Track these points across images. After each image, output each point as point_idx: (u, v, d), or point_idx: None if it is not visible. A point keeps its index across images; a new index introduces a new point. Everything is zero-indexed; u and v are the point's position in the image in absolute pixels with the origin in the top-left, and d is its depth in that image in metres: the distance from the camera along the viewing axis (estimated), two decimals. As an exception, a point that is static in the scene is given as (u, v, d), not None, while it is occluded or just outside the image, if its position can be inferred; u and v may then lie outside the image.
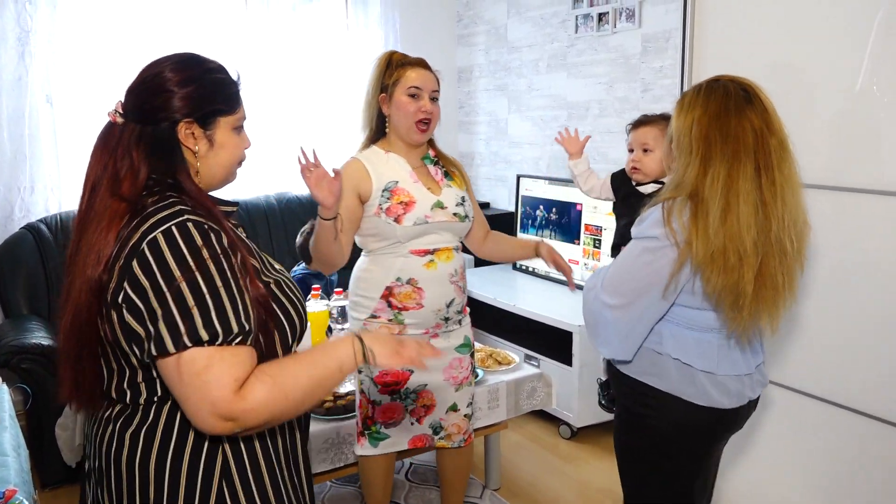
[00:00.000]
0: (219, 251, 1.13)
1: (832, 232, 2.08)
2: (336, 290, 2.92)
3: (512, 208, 4.32)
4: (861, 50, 2.00)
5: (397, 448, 2.28)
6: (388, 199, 2.09)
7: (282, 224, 3.97)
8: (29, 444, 3.07)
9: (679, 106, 1.58)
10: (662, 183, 1.95)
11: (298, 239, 3.43)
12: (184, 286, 1.09)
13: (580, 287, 1.90)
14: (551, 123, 4.12)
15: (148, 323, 1.09)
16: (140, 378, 1.17)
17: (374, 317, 2.16)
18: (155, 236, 1.11)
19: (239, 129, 1.29)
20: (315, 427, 2.38)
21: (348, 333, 1.28)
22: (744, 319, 1.50)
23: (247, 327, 1.12)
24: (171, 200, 1.17)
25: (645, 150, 1.95)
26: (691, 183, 1.49)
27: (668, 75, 3.37)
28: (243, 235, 1.35)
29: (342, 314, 2.75)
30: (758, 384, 1.67)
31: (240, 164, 1.32)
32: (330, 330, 2.72)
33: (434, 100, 2.13)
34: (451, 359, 2.24)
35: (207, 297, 1.09)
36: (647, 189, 1.96)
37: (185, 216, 1.14)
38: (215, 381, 1.07)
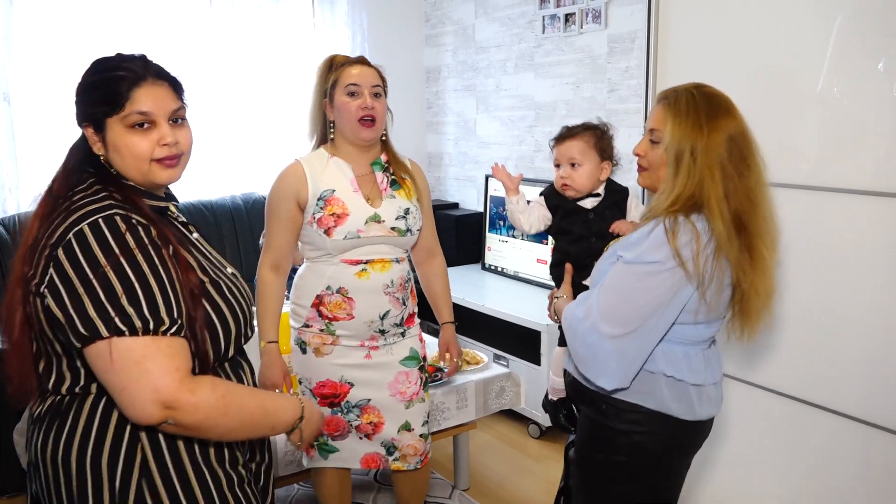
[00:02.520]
0: (146, 242, 1.15)
1: (798, 231, 2.11)
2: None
3: (481, 208, 4.32)
4: (821, 53, 2.03)
5: (349, 465, 2.20)
6: (321, 208, 2.01)
7: (248, 224, 3.92)
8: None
9: (675, 112, 1.49)
10: (599, 195, 1.89)
11: (261, 241, 3.39)
12: (110, 272, 1.10)
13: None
14: (519, 123, 4.13)
15: (70, 308, 1.10)
16: (65, 366, 1.18)
17: (307, 326, 2.09)
18: (81, 228, 1.13)
19: (139, 126, 1.22)
20: (281, 429, 2.36)
21: (299, 399, 1.33)
22: (758, 324, 1.54)
23: (177, 318, 1.14)
24: (101, 195, 1.19)
25: (573, 165, 1.86)
26: (703, 194, 1.44)
27: (634, 76, 3.40)
28: (195, 234, 1.36)
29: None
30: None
31: (163, 163, 1.25)
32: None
33: (377, 95, 2.01)
34: (395, 373, 2.12)
35: (136, 284, 1.11)
36: (587, 203, 1.89)
37: (113, 210, 1.16)
38: (158, 369, 1.09)
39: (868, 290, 2.02)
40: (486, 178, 4.24)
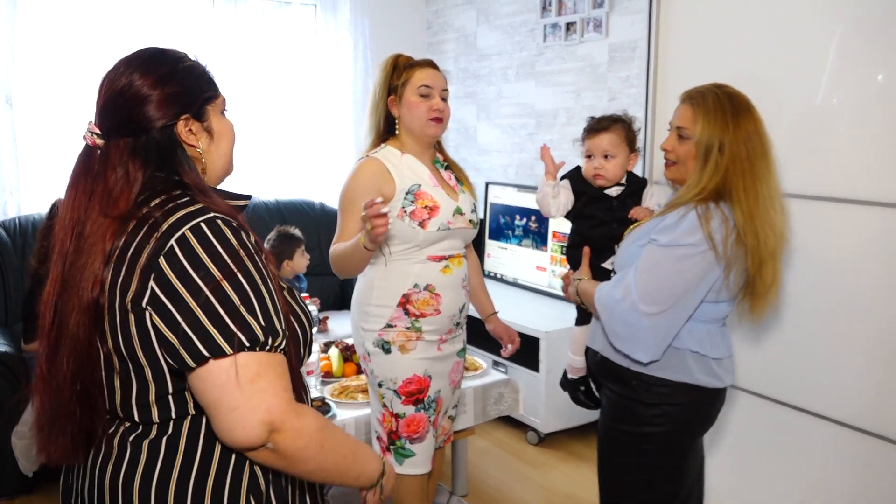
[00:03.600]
0: (252, 249, 1.05)
1: (798, 241, 2.11)
2: (303, 295, 2.90)
3: (481, 215, 4.33)
4: (821, 64, 2.05)
5: (422, 470, 2.16)
6: (412, 202, 2.05)
7: (256, 228, 3.93)
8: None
9: (704, 110, 1.62)
10: (623, 185, 1.96)
11: (265, 245, 3.41)
12: (225, 284, 0.99)
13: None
14: (520, 131, 4.14)
15: (184, 325, 0.98)
16: (152, 395, 1.06)
17: (390, 326, 2.09)
18: (183, 233, 1.00)
19: (224, 112, 1.21)
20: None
21: (380, 459, 1.23)
22: (762, 310, 1.68)
23: (286, 331, 1.05)
24: (187, 199, 1.05)
25: (606, 157, 1.94)
26: (728, 186, 1.58)
27: (635, 84, 3.41)
28: None
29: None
30: None
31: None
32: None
33: (444, 99, 2.11)
34: (453, 363, 2.22)
35: (252, 295, 1.01)
36: (612, 191, 1.96)
37: (212, 213, 1.03)
38: (269, 388, 1.01)
39: (868, 299, 2.02)
40: (487, 185, 4.25)
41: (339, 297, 4.12)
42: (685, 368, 1.68)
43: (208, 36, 3.96)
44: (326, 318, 3.66)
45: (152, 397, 1.05)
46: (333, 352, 2.84)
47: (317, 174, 4.42)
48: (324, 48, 4.34)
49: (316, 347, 2.56)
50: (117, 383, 1.06)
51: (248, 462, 1.08)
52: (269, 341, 1.01)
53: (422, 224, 2.04)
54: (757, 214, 1.57)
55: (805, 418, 2.20)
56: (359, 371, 2.76)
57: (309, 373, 2.60)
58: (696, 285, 1.61)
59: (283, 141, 4.33)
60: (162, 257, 0.99)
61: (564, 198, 2.00)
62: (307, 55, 4.33)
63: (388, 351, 2.11)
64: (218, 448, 1.07)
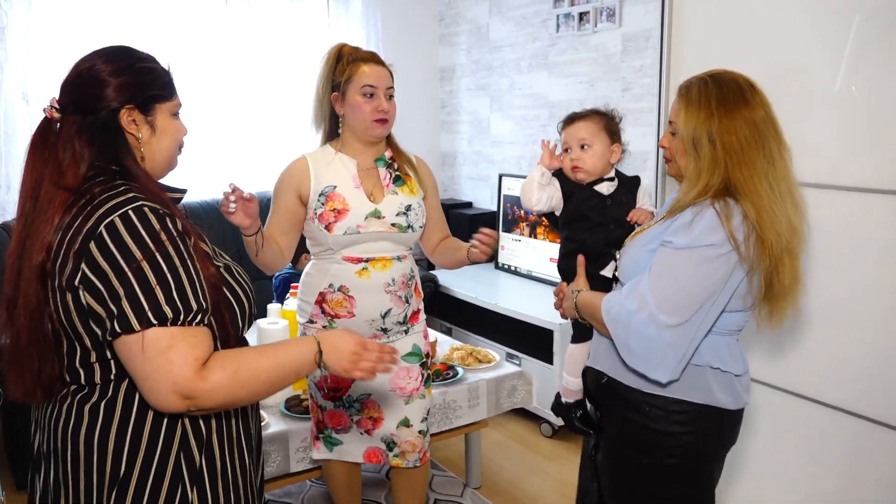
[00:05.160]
0: (175, 234, 1.18)
1: (818, 231, 2.08)
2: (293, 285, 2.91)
3: (494, 207, 4.32)
4: (839, 52, 2.01)
5: (352, 458, 2.22)
6: (322, 204, 2.02)
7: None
8: (3, 444, 3.04)
9: (686, 102, 1.51)
10: (612, 179, 1.83)
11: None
12: (145, 265, 1.13)
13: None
14: (533, 123, 4.13)
15: (109, 302, 1.13)
16: (94, 358, 1.20)
17: (311, 322, 2.12)
18: (112, 220, 1.14)
19: (176, 115, 1.33)
20: (293, 426, 2.37)
21: (312, 335, 1.31)
22: (782, 315, 1.53)
23: (204, 306, 1.18)
24: (123, 188, 1.20)
25: (583, 147, 1.80)
26: (731, 180, 1.45)
27: (648, 74, 3.38)
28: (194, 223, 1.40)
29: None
30: None
31: (179, 150, 1.36)
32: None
33: (390, 97, 2.03)
34: (396, 368, 2.08)
35: (168, 276, 1.14)
36: (603, 189, 1.82)
37: (140, 201, 1.17)
38: (178, 358, 1.12)
39: (890, 290, 1.99)
40: (500, 176, 4.23)
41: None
42: (706, 388, 1.52)
43: (221, 32, 3.97)
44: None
45: (93, 359, 1.19)
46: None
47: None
48: (336, 41, 4.31)
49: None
50: (65, 347, 1.20)
51: (179, 424, 1.22)
52: (183, 317, 1.14)
53: (328, 227, 2.00)
54: (765, 207, 1.42)
55: (832, 413, 2.17)
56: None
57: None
58: (720, 291, 1.45)
59: (299, 136, 4.33)
60: (92, 241, 1.13)
61: (551, 192, 1.83)
62: (320, 49, 4.31)
63: None
64: (151, 410, 1.20)
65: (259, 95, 4.12)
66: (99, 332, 1.16)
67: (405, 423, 2.18)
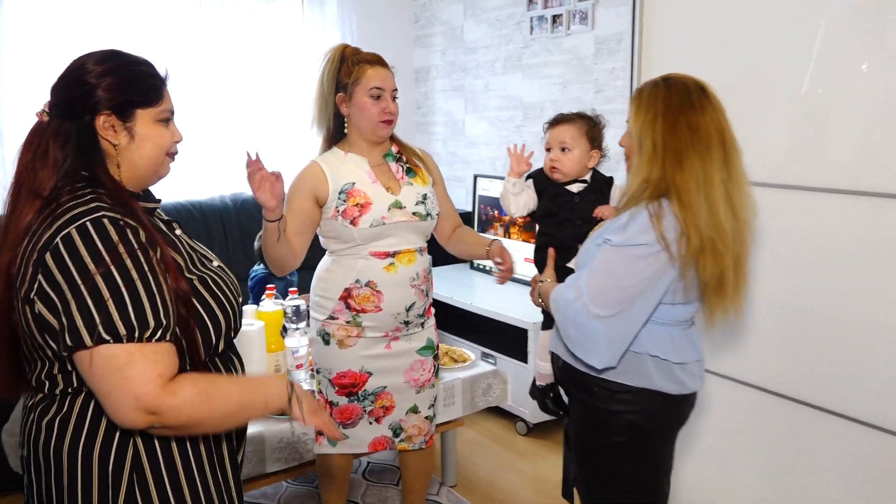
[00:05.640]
0: (135, 246, 1.13)
1: (781, 227, 2.14)
2: (291, 289, 2.91)
3: (470, 208, 4.35)
4: (807, 54, 2.06)
5: (357, 450, 2.26)
6: (343, 201, 2.06)
7: (237, 225, 3.94)
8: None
9: (637, 104, 1.60)
10: (585, 181, 1.94)
11: (256, 243, 3.41)
12: (98, 279, 1.09)
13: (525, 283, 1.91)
14: (507, 124, 4.16)
15: (63, 316, 1.09)
16: (56, 370, 1.18)
17: (332, 318, 2.14)
18: (69, 231, 1.11)
19: (165, 121, 1.28)
20: (270, 426, 2.37)
21: (282, 376, 1.29)
22: (726, 305, 1.59)
23: (164, 322, 1.13)
24: (88, 196, 1.16)
25: (563, 149, 1.92)
26: (666, 179, 1.52)
27: (620, 77, 3.43)
28: (178, 231, 1.35)
29: (297, 314, 2.74)
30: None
31: (171, 157, 1.31)
32: (285, 329, 2.71)
33: (395, 98, 2.11)
34: (412, 361, 2.21)
35: (123, 290, 1.10)
36: (573, 188, 1.93)
37: (101, 212, 1.14)
38: (139, 375, 1.08)
39: (844, 286, 2.05)
40: (475, 177, 4.26)
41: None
42: (645, 374, 1.62)
43: (195, 33, 3.96)
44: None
45: (56, 370, 1.17)
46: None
47: (306, 169, 4.43)
48: (311, 43, 4.34)
49: (305, 341, 2.58)
50: (30, 355, 1.19)
51: (131, 444, 1.18)
52: (139, 333, 1.09)
53: (353, 222, 2.04)
54: (687, 206, 1.49)
55: (780, 402, 2.24)
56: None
57: (298, 366, 2.62)
58: (652, 287, 1.54)
59: (272, 136, 4.33)
60: (48, 253, 1.11)
61: (526, 196, 1.98)
62: (295, 51, 4.33)
63: (327, 342, 2.16)
64: (104, 425, 1.17)
65: (233, 97, 4.11)
66: (54, 346, 1.13)
67: (414, 410, 2.26)
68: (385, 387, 2.20)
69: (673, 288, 1.56)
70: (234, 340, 1.40)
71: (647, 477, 1.70)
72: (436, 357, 2.30)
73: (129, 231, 1.14)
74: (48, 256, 1.10)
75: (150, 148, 1.26)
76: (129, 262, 1.11)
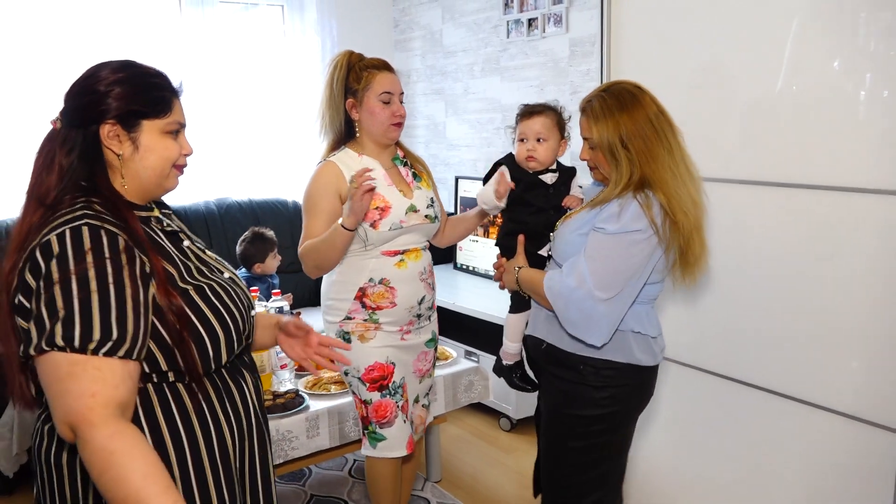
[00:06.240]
0: (106, 255, 1.11)
1: (751, 222, 2.21)
2: (274, 291, 2.96)
3: (451, 209, 4.41)
4: (779, 53, 2.09)
5: (397, 453, 2.25)
6: None
7: (222, 230, 3.98)
8: None
9: (591, 116, 1.74)
10: (555, 171, 2.02)
11: (238, 248, 3.45)
12: (57, 289, 1.07)
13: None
14: (487, 126, 4.23)
15: (27, 322, 1.10)
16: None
17: (348, 318, 2.21)
18: (48, 239, 1.11)
19: (173, 133, 1.27)
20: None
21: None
22: (694, 277, 1.80)
23: (117, 335, 1.08)
24: (79, 204, 1.16)
25: (539, 140, 1.99)
26: (645, 175, 1.69)
27: (595, 78, 3.50)
28: (186, 242, 1.34)
29: (280, 314, 2.79)
30: None
31: (180, 170, 1.31)
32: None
33: (402, 102, 2.20)
34: (419, 352, 2.32)
35: (75, 301, 1.07)
36: (547, 178, 2.02)
37: (84, 220, 1.13)
38: (74, 389, 1.05)
39: (811, 278, 2.11)
40: (456, 179, 4.33)
41: (312, 293, 4.17)
42: (627, 349, 1.79)
43: (176, 39, 4.00)
44: (299, 313, 3.71)
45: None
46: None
47: (290, 173, 4.47)
48: (292, 49, 4.39)
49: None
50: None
51: None
52: (80, 344, 1.05)
53: (373, 225, 2.11)
54: (673, 194, 1.68)
55: (733, 386, 2.31)
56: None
57: (283, 366, 2.67)
58: (644, 268, 1.73)
59: (255, 141, 4.38)
60: (29, 261, 1.11)
61: (505, 185, 2.01)
62: (275, 56, 4.38)
63: (348, 341, 2.21)
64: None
65: (215, 103, 4.15)
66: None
67: (416, 400, 2.38)
68: (403, 378, 2.28)
69: (659, 267, 1.76)
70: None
71: (617, 446, 1.89)
72: (435, 348, 2.42)
73: (105, 239, 1.11)
74: (28, 265, 1.11)
75: (154, 159, 1.24)
76: (91, 272, 1.08)
